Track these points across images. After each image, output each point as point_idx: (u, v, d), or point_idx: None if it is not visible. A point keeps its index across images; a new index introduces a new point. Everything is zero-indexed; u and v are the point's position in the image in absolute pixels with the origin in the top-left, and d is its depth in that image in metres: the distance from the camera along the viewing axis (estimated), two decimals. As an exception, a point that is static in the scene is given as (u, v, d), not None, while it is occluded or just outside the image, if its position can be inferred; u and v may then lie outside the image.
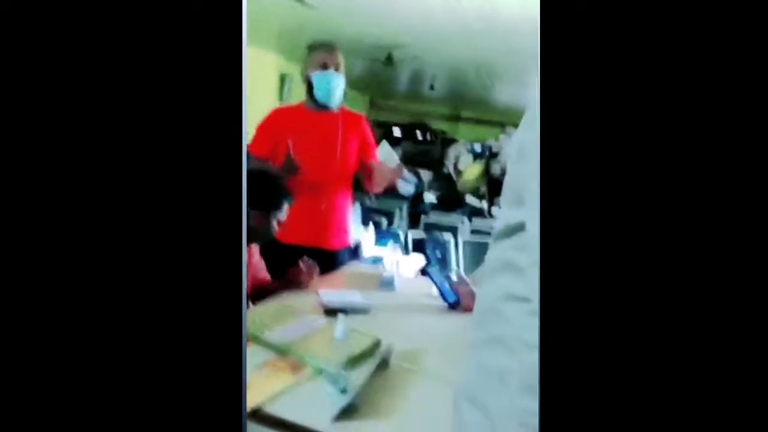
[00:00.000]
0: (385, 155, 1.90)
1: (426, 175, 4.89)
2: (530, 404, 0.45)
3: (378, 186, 1.92)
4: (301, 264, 1.57)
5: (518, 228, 0.56)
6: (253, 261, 1.55)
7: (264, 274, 1.63)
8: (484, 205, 4.69)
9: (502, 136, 5.16)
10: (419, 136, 5.70)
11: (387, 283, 1.70)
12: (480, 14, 3.33)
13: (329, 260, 1.84)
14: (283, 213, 1.48)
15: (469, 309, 1.50)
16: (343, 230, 1.93)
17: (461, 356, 1.14)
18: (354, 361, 1.08)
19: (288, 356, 1.12)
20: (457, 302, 1.51)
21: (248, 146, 1.75)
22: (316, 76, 1.77)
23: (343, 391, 0.99)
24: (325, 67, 1.77)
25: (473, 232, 3.89)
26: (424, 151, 5.30)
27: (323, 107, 1.81)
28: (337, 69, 1.78)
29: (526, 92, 5.39)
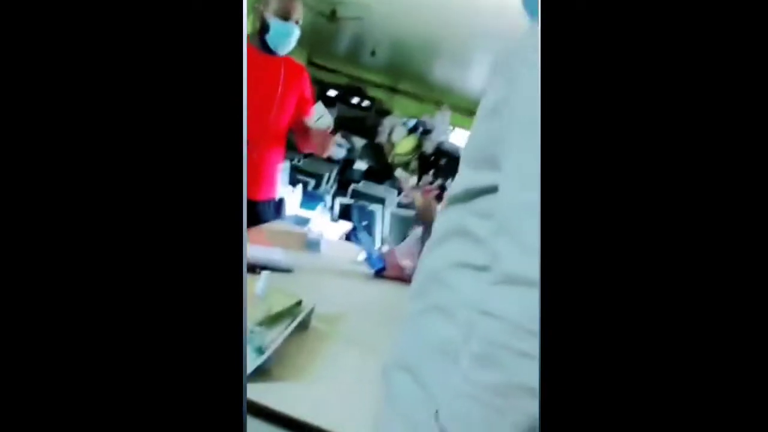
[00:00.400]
0: (320, 115, 1.81)
1: (359, 142, 4.81)
2: (485, 377, 0.42)
3: (311, 146, 1.84)
4: None
5: (482, 192, 0.53)
6: None
7: None
8: (414, 179, 4.71)
9: (437, 114, 5.18)
10: (354, 101, 5.58)
11: (313, 245, 1.64)
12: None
13: (252, 212, 1.74)
14: None
15: (394, 278, 1.49)
16: (271, 183, 1.84)
17: (384, 324, 1.13)
18: (272, 320, 1.02)
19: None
20: (383, 269, 1.49)
21: None
22: (277, 24, 1.63)
23: (259, 350, 0.93)
24: (287, 17, 1.63)
25: (399, 205, 3.91)
26: (359, 117, 5.20)
27: (270, 52, 1.69)
28: (297, 22, 1.66)
29: (465, 73, 5.45)
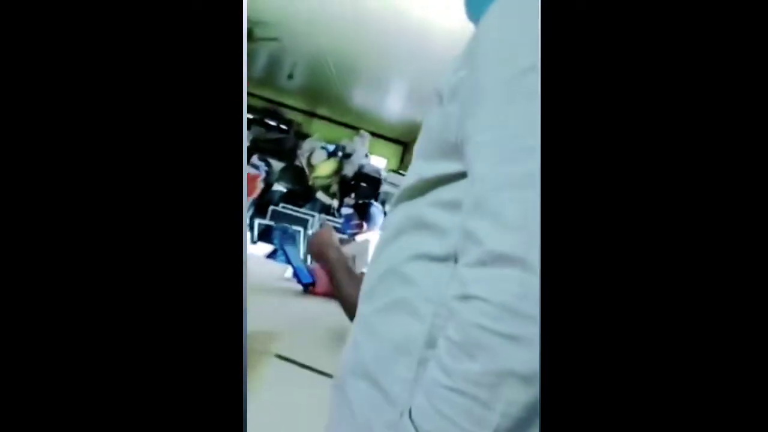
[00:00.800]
0: None
1: (277, 164, 4.69)
2: (468, 366, 0.39)
3: None
4: None
5: (439, 182, 0.51)
6: None
7: None
8: (335, 202, 4.67)
9: (356, 138, 5.22)
10: (272, 123, 5.46)
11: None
12: (349, 7, 3.33)
13: None
14: None
15: (323, 293, 1.43)
16: None
17: (319, 340, 1.07)
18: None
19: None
20: (313, 284, 1.43)
21: None
22: None
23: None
24: None
25: (321, 227, 3.84)
26: (277, 140, 5.09)
27: None
28: None
29: (383, 98, 5.58)
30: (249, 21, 3.75)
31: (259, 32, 3.87)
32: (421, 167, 0.54)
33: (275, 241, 2.95)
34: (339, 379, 0.56)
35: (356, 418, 0.51)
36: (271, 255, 2.45)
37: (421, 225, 0.52)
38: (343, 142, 5.19)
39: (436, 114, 0.52)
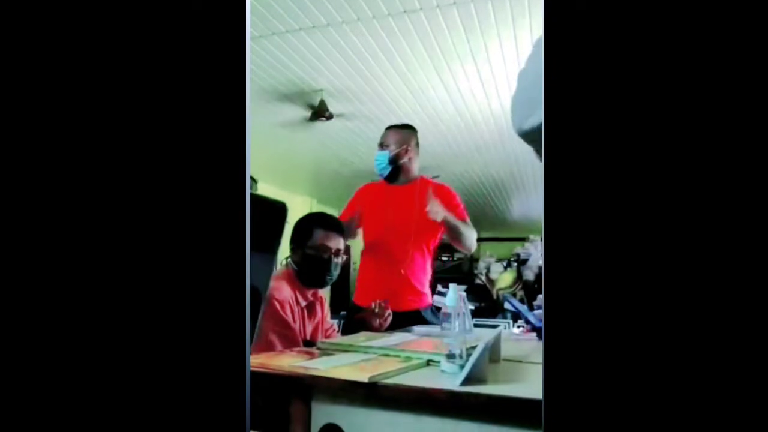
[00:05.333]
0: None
1: (460, 288, 4.91)
2: None
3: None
4: (373, 305, 1.62)
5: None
6: (321, 320, 1.61)
7: (333, 331, 1.67)
8: (524, 308, 4.61)
9: (526, 244, 5.30)
10: (444, 259, 5.87)
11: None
12: (492, 130, 3.76)
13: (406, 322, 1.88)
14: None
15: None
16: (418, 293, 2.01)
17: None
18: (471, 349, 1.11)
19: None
20: (543, 327, 1.52)
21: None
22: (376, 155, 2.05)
23: (462, 367, 1.00)
24: (381, 146, 2.05)
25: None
26: (454, 267, 5.42)
27: (390, 180, 2.05)
28: (386, 147, 2.05)
29: (535, 203, 5.69)
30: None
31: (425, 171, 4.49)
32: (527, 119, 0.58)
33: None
34: None
35: None
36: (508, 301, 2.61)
37: None
38: (516, 249, 5.28)
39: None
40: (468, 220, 2.08)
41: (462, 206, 2.12)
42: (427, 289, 2.07)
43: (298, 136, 3.88)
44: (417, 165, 2.15)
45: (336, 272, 1.57)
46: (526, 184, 5.05)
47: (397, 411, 0.94)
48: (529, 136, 0.57)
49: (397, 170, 2.08)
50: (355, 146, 4.09)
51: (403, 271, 1.93)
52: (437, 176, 4.56)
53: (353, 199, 2.16)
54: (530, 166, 4.53)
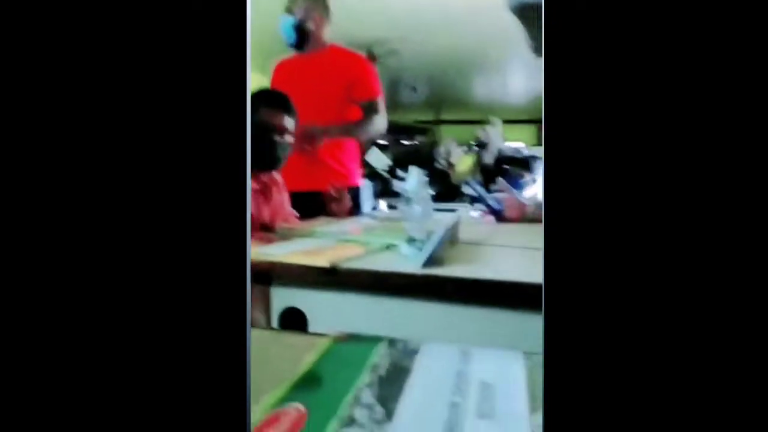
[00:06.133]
0: (376, 160, 1.91)
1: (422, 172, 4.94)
2: None
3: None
4: (330, 189, 1.58)
5: None
6: (278, 205, 1.56)
7: (292, 217, 1.63)
8: (484, 191, 4.74)
9: (487, 127, 5.27)
10: (405, 141, 5.80)
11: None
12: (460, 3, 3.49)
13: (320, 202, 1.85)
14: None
15: (514, 219, 1.52)
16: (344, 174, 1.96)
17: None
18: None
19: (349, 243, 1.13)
20: (502, 211, 1.54)
21: None
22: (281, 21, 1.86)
23: (421, 250, 1.00)
24: (288, 11, 1.87)
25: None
26: (413, 150, 5.38)
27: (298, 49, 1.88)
28: (290, 12, 1.87)
29: (504, 82, 5.58)
30: (366, 43, 4.13)
31: (377, 48, 4.22)
32: None
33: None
34: None
35: None
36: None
37: None
38: (476, 132, 5.27)
39: None
40: (378, 98, 1.94)
41: (373, 81, 1.94)
42: (346, 170, 2.00)
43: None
44: (326, 31, 1.97)
45: (284, 153, 1.49)
46: (492, 64, 4.86)
47: (358, 294, 0.94)
48: (522, 12, 0.52)
49: (303, 37, 1.91)
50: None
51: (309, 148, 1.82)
52: (395, 50, 4.32)
53: (271, 83, 1.98)
54: (502, 44, 4.33)
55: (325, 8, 1.93)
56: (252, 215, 1.43)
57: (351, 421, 0.40)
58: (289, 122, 1.48)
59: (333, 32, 1.94)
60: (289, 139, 1.49)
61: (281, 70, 2.00)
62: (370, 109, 1.93)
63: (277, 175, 1.58)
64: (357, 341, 0.58)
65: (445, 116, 6.53)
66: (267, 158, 1.45)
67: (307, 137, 1.79)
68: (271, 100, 1.48)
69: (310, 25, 1.89)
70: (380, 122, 1.95)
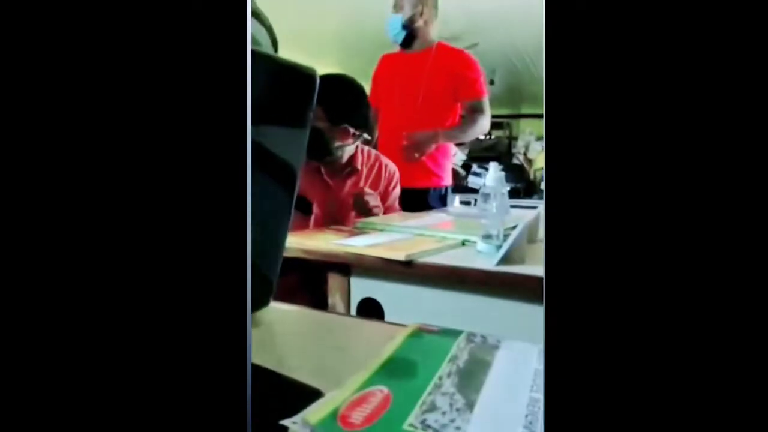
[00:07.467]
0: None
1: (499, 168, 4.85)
2: None
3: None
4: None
5: None
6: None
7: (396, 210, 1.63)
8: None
9: (569, 121, 5.04)
10: (481, 137, 5.71)
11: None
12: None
13: (418, 200, 1.85)
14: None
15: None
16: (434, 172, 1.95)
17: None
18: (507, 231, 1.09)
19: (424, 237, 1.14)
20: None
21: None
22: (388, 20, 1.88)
23: (499, 247, 0.99)
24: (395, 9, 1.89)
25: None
26: (490, 146, 5.27)
27: (405, 46, 1.88)
28: (398, 11, 1.87)
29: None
30: (447, 36, 4.10)
31: (458, 44, 4.18)
32: None
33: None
34: None
35: None
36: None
37: None
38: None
39: None
40: (484, 98, 1.91)
41: (481, 80, 1.92)
42: (441, 170, 1.98)
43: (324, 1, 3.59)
44: (435, 29, 1.94)
45: (337, 153, 1.43)
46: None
47: (433, 288, 0.96)
48: None
49: (411, 35, 1.89)
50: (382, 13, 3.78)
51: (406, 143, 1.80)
52: (476, 44, 4.23)
53: (373, 76, 1.98)
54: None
55: (435, 6, 1.93)
56: (319, 202, 1.46)
57: (433, 407, 0.42)
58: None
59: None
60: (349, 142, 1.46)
61: (381, 65, 2.02)
62: (476, 110, 1.91)
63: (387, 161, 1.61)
64: (437, 333, 0.59)
65: (523, 110, 6.32)
66: (314, 150, 1.37)
67: (416, 145, 1.81)
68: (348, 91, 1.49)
69: (420, 24, 1.90)
70: (485, 123, 1.93)
